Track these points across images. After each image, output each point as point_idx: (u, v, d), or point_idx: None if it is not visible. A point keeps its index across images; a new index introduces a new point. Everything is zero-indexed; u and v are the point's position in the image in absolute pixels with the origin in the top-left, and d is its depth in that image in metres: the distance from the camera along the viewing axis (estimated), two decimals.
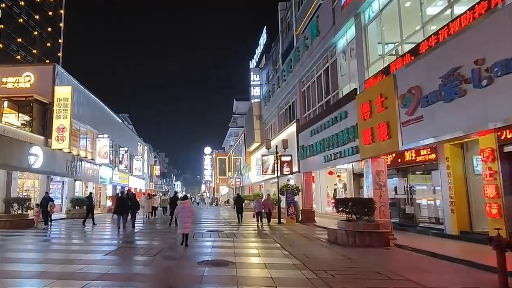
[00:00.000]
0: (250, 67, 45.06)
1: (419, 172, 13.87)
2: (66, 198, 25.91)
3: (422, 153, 12.76)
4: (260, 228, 16.39)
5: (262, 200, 18.71)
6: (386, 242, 10.66)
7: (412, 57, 9.83)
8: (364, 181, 12.84)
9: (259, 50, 45.11)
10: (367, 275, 7.22)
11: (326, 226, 16.12)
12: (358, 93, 12.88)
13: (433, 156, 12.18)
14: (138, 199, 19.69)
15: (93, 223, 18.46)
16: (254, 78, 41.49)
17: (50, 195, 25.17)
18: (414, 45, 10.08)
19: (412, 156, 13.30)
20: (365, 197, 12.81)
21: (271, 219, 18.90)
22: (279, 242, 11.79)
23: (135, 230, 16.08)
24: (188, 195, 15.79)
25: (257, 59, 45.38)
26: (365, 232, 10.85)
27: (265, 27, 42.76)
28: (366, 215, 11.25)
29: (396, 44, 12.09)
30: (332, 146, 14.98)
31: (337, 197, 14.88)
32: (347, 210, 11.53)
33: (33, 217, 17.43)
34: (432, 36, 9.15)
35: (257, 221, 17.80)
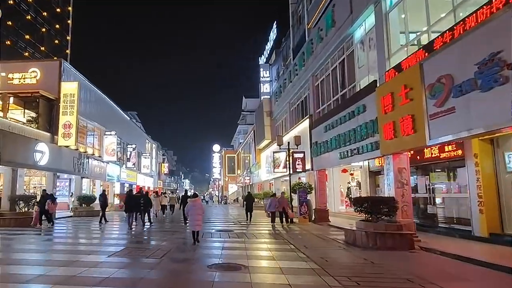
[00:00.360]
0: (260, 63, 44.41)
1: (442, 170, 12.99)
2: (71, 195, 25.44)
3: (446, 149, 11.93)
4: (272, 228, 15.67)
5: (277, 199, 17.70)
6: (410, 244, 9.87)
7: (442, 44, 9.01)
8: (384, 179, 12.05)
9: (268, 46, 44.45)
10: (397, 284, 6.46)
11: (341, 226, 15.46)
12: (378, 85, 12.09)
13: (459, 152, 11.34)
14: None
15: (100, 221, 18.16)
16: (264, 74, 40.79)
17: (57, 193, 25.11)
18: (442, 32, 9.26)
19: (432, 153, 12.51)
20: (385, 195, 11.99)
21: (283, 219, 17.93)
22: (293, 244, 11.07)
23: (144, 229, 15.77)
24: (197, 193, 15.25)
25: (267, 55, 44.73)
26: (387, 233, 10.07)
27: (275, 22, 42.06)
28: (387, 215, 10.49)
29: (419, 34, 11.28)
30: (349, 142, 14.19)
31: (355, 196, 14.10)
32: (366, 209, 10.80)
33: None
34: (467, 19, 8.31)
35: (273, 221, 17.07)
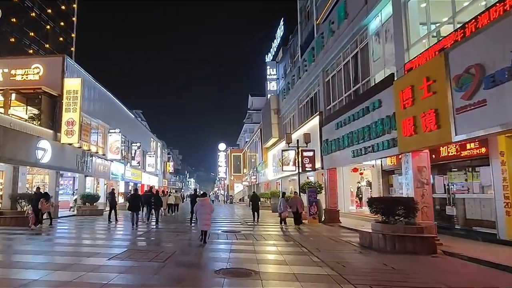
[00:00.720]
0: (266, 61, 43.72)
1: (462, 169, 12.23)
2: (73, 194, 24.86)
3: (468, 147, 11.21)
4: (281, 229, 15.00)
5: (290, 200, 16.63)
6: (432, 248, 9.19)
7: (471, 31, 8.30)
8: (403, 178, 11.34)
9: (275, 43, 43.78)
10: None
11: (353, 227, 14.83)
12: (395, 78, 11.39)
13: (482, 150, 10.62)
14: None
15: (116, 219, 18.12)
16: (271, 72, 40.12)
17: (61, 191, 24.63)
18: (471, 18, 8.55)
19: (449, 152, 11.82)
20: (403, 195, 11.31)
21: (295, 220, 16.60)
22: (305, 246, 10.43)
23: (152, 227, 15.95)
24: (206, 192, 14.83)
25: (273, 53, 44.09)
26: (406, 236, 9.40)
27: (282, 19, 41.42)
28: (406, 217, 9.82)
29: (441, 23, 10.55)
30: (363, 139, 13.50)
31: (369, 196, 13.37)
32: (383, 211, 10.13)
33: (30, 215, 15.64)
34: (499, 3, 7.60)
35: (281, 223, 16.18)
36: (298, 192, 17.12)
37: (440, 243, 9.77)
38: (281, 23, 41.38)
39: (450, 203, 12.49)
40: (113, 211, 18.44)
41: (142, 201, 17.40)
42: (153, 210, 17.81)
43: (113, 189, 21.44)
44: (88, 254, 8.97)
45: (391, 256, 8.88)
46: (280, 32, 41.91)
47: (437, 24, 10.80)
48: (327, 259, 8.43)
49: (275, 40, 44.06)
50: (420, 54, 10.24)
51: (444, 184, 12.72)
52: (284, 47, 39.65)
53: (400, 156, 14.49)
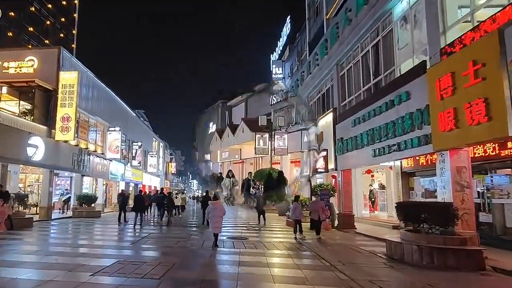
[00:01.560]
0: (272, 59, 42.38)
1: (500, 170, 10.79)
2: (62, 194, 23.37)
3: (509, 146, 9.79)
4: (295, 238, 13.18)
5: (311, 204, 14.31)
6: (479, 264, 7.73)
7: None
8: (438, 181, 9.87)
9: (281, 42, 42.51)
10: None
11: (370, 234, 13.52)
12: (428, 66, 9.95)
13: None
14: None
15: (119, 221, 17.49)
16: (276, 71, 38.77)
17: (58, 191, 23.31)
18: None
19: (476, 152, 10.47)
20: (438, 201, 9.86)
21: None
22: (324, 258, 9.01)
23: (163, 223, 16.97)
24: (217, 195, 13.84)
25: (279, 52, 42.81)
26: (448, 249, 7.96)
27: (288, 17, 40.24)
28: (444, 226, 8.40)
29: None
30: (386, 137, 12.05)
31: (399, 201, 11.85)
32: (417, 218, 8.74)
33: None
34: None
35: (295, 231, 13.05)
36: (318, 194, 14.83)
37: (485, 256, 8.31)
38: (288, 20, 40.19)
39: (485, 209, 11.05)
40: (122, 213, 17.96)
41: (144, 202, 17.20)
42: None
43: (122, 191, 21.13)
44: (70, 267, 7.48)
45: (431, 272, 7.45)
46: (286, 30, 40.68)
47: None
48: (356, 276, 7.03)
49: (280, 39, 42.83)
50: (463, 35, 8.80)
51: (478, 188, 11.28)
52: (290, 45, 38.41)
53: (418, 157, 13.19)
